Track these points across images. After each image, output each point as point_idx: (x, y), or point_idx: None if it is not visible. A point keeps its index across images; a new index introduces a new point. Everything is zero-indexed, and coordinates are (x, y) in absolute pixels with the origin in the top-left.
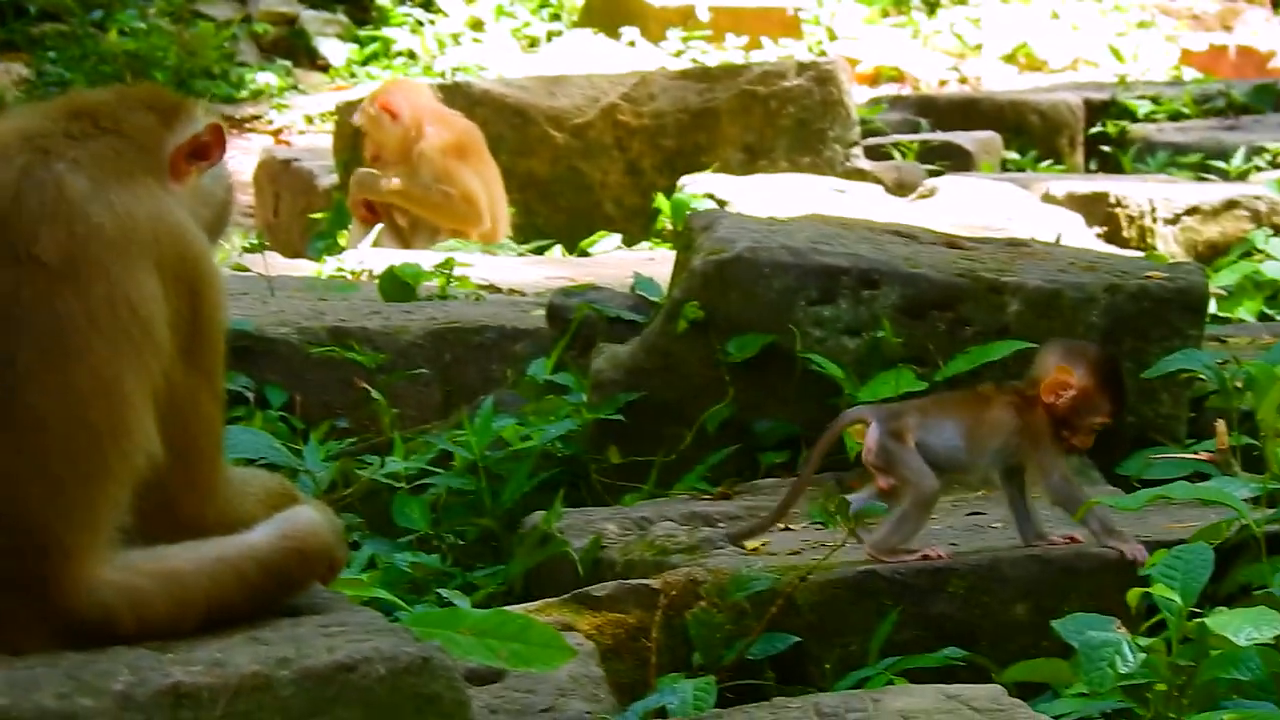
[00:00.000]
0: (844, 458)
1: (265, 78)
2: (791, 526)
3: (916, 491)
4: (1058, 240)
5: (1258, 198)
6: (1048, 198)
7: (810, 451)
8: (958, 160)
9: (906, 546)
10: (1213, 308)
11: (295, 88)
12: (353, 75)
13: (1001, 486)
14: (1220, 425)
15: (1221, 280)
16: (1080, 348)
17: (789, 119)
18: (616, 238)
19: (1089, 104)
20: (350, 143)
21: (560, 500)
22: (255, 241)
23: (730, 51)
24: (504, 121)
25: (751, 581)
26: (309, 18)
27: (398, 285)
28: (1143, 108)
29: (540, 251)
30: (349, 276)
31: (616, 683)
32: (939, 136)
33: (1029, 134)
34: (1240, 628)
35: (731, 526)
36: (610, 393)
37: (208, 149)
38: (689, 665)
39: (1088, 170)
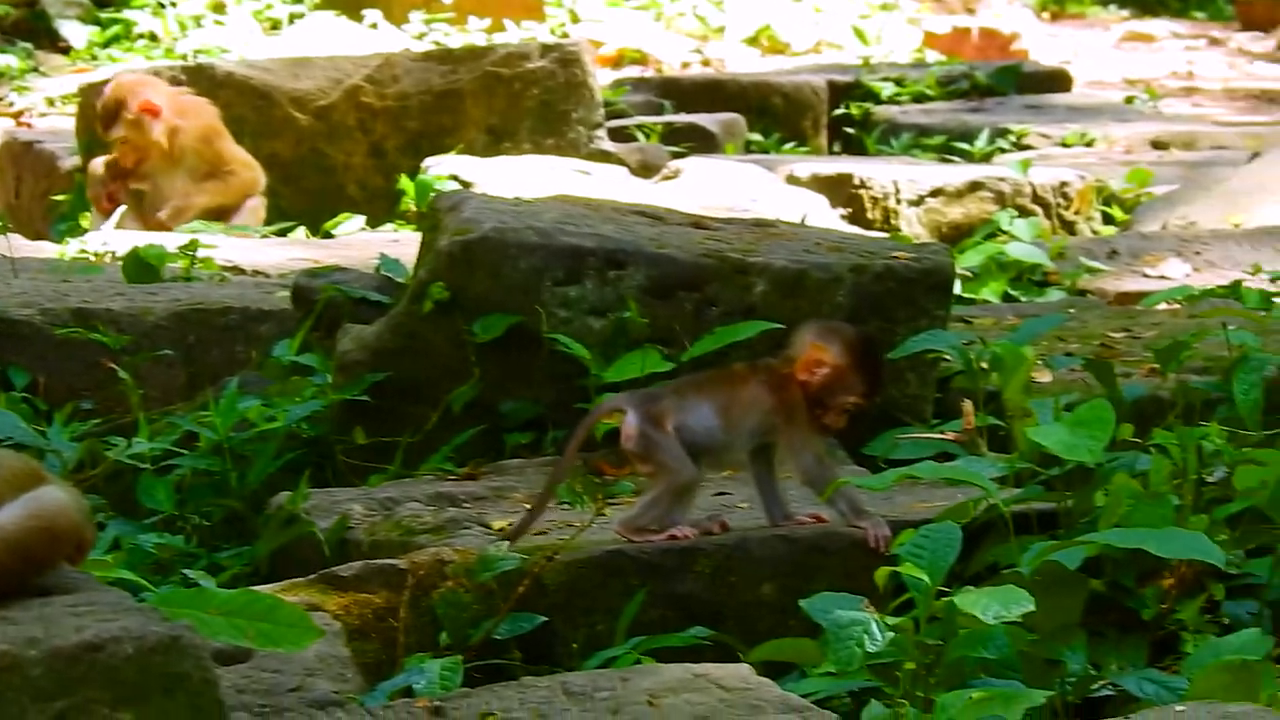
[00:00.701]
0: (590, 437)
1: (6, 60)
2: None
3: (673, 479)
4: (803, 221)
5: (1001, 179)
6: (792, 179)
7: (567, 442)
8: (701, 142)
9: (654, 528)
10: (958, 289)
11: (36, 70)
12: (94, 57)
13: (749, 466)
14: (966, 405)
15: (967, 261)
16: (837, 327)
17: (533, 101)
18: (360, 219)
19: (832, 86)
20: (91, 125)
21: (306, 481)
22: None
23: (473, 34)
24: (247, 104)
25: (498, 561)
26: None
27: (141, 267)
28: (886, 90)
29: (284, 233)
30: (92, 258)
31: (363, 663)
32: (683, 118)
33: (772, 116)
34: (988, 606)
35: (478, 508)
36: (356, 373)
37: None
38: (436, 645)
39: (831, 152)
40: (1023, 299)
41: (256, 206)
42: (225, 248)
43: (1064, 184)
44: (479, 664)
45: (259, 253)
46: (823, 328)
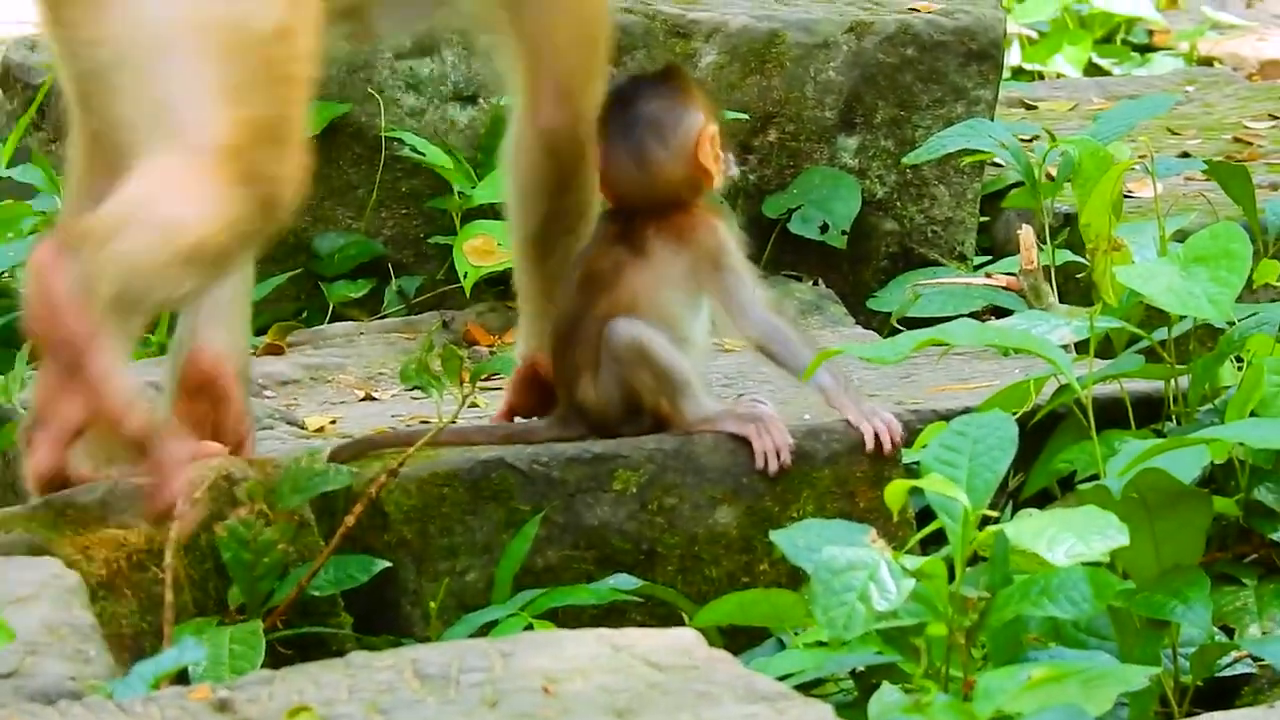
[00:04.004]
0: (456, 288)
1: None
2: (377, 396)
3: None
4: None
5: None
6: None
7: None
8: None
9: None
10: (1014, 57)
11: None
12: None
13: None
14: (1025, 234)
15: (1029, 14)
16: (662, 88)
17: None
18: None
19: None
20: None
21: (23, 359)
22: None
23: None
24: None
25: (315, 478)
26: None
27: None
28: None
29: None
30: None
31: (115, 634)
32: None
33: None
34: (1058, 540)
35: (285, 398)
36: None
37: None
38: (223, 606)
39: None
40: (1114, 71)
41: None
42: None
43: None
44: (287, 635)
45: None
46: (656, 94)
